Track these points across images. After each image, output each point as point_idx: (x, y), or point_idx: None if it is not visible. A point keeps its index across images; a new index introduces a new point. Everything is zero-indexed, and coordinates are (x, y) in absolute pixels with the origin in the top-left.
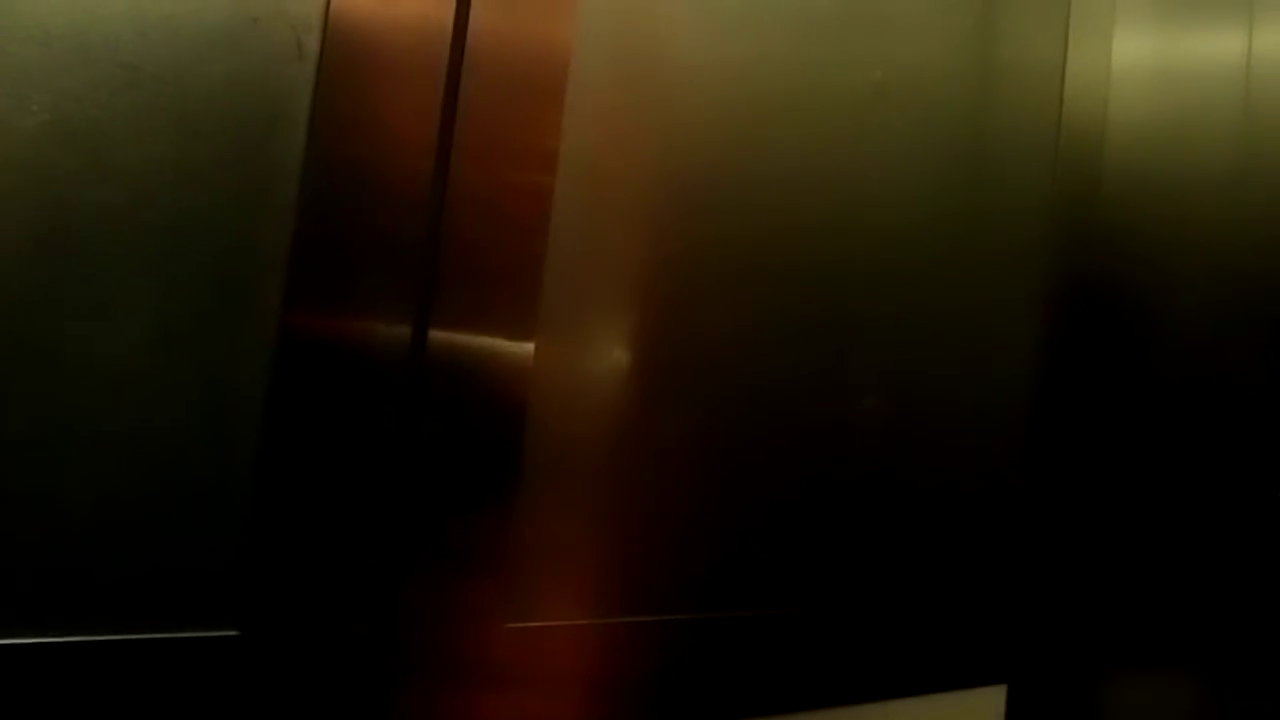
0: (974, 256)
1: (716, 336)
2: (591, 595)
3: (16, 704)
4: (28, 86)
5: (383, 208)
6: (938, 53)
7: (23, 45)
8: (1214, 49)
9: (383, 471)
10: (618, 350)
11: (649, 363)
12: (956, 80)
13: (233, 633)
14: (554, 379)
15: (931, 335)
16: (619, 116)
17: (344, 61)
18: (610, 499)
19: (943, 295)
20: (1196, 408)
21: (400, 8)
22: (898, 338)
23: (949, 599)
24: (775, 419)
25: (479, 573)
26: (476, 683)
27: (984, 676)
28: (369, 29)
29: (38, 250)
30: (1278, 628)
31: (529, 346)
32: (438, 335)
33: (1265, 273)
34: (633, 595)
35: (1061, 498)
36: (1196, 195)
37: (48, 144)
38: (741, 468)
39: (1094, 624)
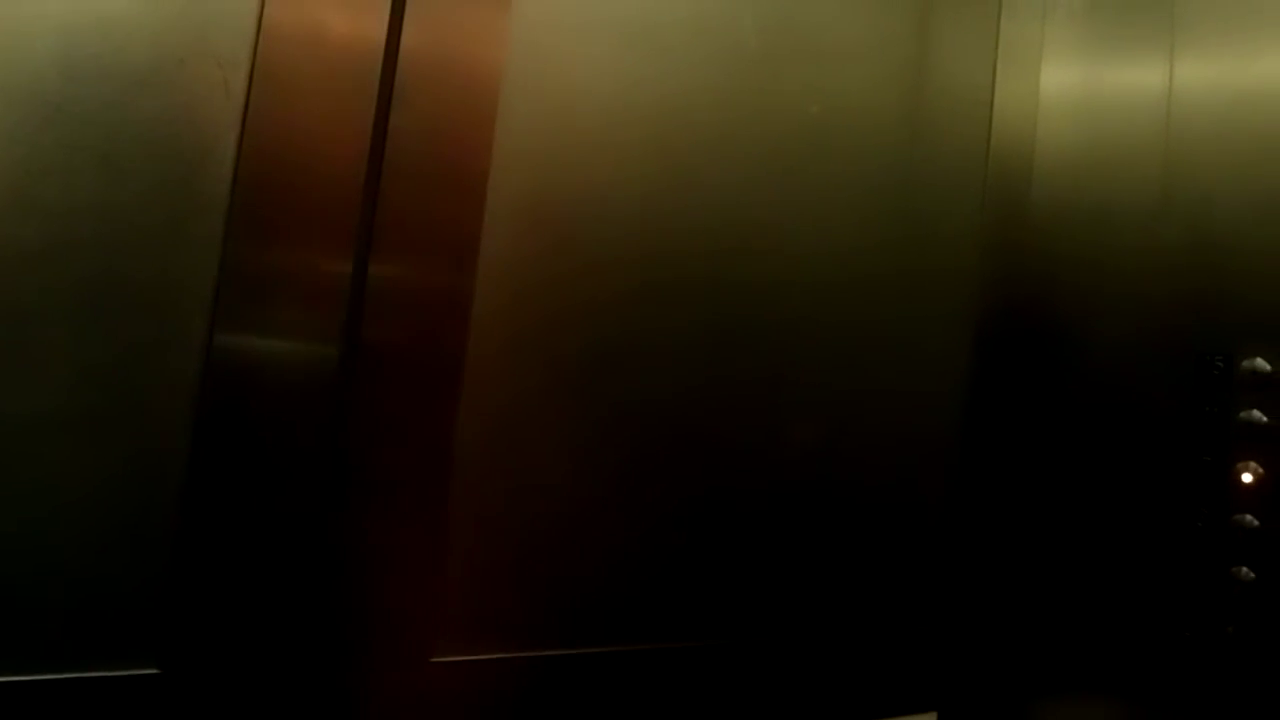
0: (904, 282)
1: (645, 369)
2: (519, 629)
3: None
4: None
5: (311, 240)
6: (869, 83)
7: None
8: (1137, 81)
9: (307, 507)
10: (549, 378)
11: (580, 390)
12: (888, 110)
13: (152, 671)
14: (484, 407)
15: (861, 363)
16: (551, 143)
17: (271, 99)
18: (539, 531)
19: (873, 323)
20: (1121, 434)
21: (328, 45)
22: (827, 366)
23: (878, 627)
24: (705, 451)
25: (405, 608)
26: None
27: (914, 704)
28: (296, 66)
29: None
30: (1199, 653)
31: (458, 376)
32: (365, 367)
33: (1185, 301)
34: (563, 628)
35: (989, 525)
36: (1120, 223)
37: None
38: (672, 499)
39: (1023, 651)
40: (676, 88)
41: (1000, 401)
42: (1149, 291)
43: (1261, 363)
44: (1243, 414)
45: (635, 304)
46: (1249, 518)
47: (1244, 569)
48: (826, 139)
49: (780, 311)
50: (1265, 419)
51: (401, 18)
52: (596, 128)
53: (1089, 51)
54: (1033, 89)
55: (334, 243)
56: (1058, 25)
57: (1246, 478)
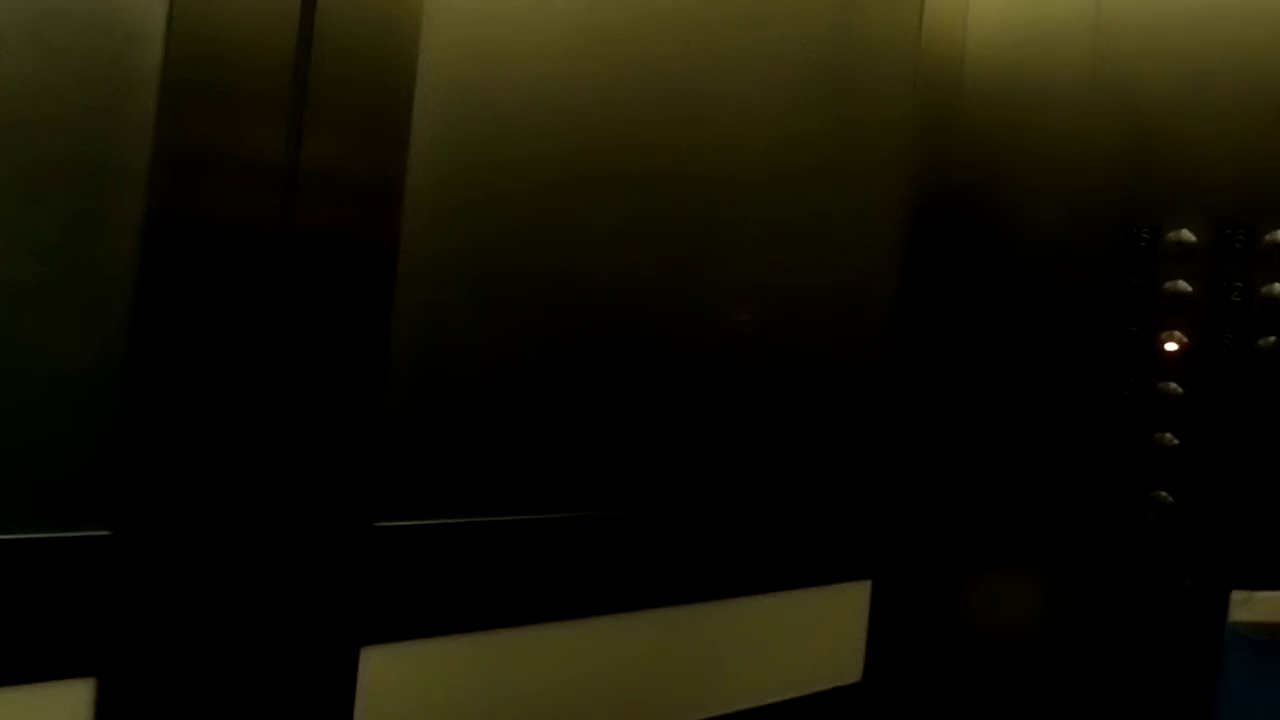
0: (837, 169)
1: (575, 254)
2: (459, 494)
3: None
4: None
5: (243, 117)
6: None
7: None
8: None
9: (250, 374)
10: (482, 259)
11: (512, 272)
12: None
13: (104, 533)
14: (417, 281)
15: (795, 243)
16: (479, 20)
17: None
18: (476, 403)
19: (806, 205)
20: (1050, 309)
21: None
22: (761, 245)
23: (814, 497)
24: (638, 331)
25: (346, 472)
26: (343, 580)
27: (848, 572)
28: None
29: None
30: (1123, 525)
31: (394, 252)
32: (303, 233)
33: (1113, 178)
34: (502, 496)
35: (923, 400)
36: (1050, 109)
37: None
38: (607, 377)
39: (956, 521)
40: None
41: (935, 279)
42: (1079, 170)
43: (1187, 234)
44: (1168, 284)
45: (565, 189)
46: (1173, 385)
47: (1168, 435)
48: (759, 27)
49: (711, 199)
50: (1190, 289)
51: None
52: (528, 6)
53: None
54: None
55: (266, 118)
56: None
57: (1171, 346)
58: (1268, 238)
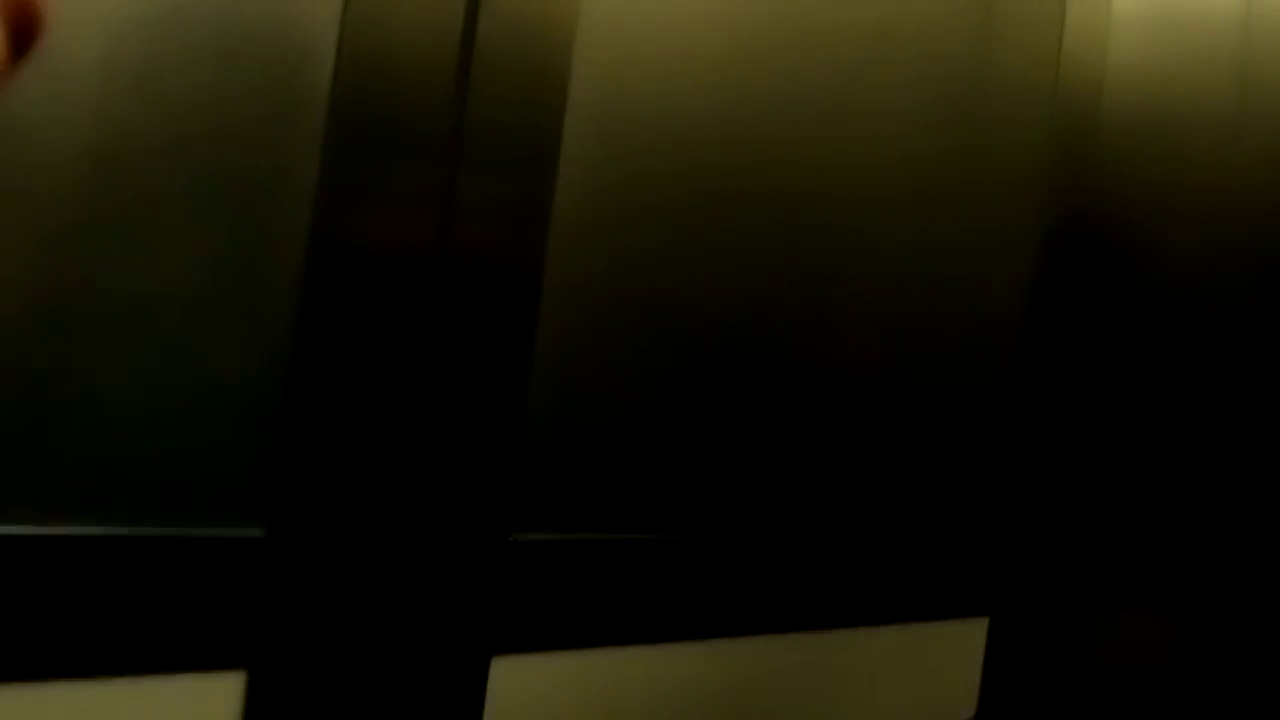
0: (971, 190)
1: (710, 272)
2: (593, 511)
3: (51, 590)
4: (85, 25)
5: (403, 138)
6: None
7: None
8: None
9: (399, 388)
10: (622, 276)
11: (650, 285)
12: (958, 19)
13: (258, 533)
14: (562, 300)
15: (925, 267)
16: (627, 47)
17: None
18: (613, 421)
19: (938, 229)
20: (1186, 347)
21: None
22: (891, 269)
23: (935, 530)
24: (766, 350)
25: (487, 486)
26: (479, 590)
27: (966, 608)
28: None
29: (92, 171)
30: (1250, 572)
31: (539, 270)
32: (455, 253)
33: (1259, 215)
34: (634, 513)
35: (1048, 436)
36: (1194, 139)
37: (103, 76)
38: (735, 395)
39: (1078, 562)
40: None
41: (1068, 310)
42: (1221, 201)
43: None
44: None
45: (702, 209)
46: None
47: None
48: (895, 49)
49: (844, 217)
50: None
51: None
52: (671, 30)
53: None
54: (1105, 2)
55: (426, 139)
56: None
57: None
58: None
